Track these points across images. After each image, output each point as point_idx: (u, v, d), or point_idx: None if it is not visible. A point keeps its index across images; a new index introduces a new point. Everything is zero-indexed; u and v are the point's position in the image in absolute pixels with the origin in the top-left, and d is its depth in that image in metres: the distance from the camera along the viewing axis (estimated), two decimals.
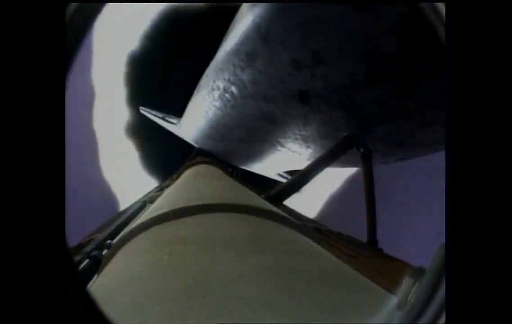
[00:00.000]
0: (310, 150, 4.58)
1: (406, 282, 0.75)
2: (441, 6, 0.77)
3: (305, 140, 4.47)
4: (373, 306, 0.86)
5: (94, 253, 1.87)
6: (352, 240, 3.45)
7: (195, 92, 6.77)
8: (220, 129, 6.06)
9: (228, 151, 6.70)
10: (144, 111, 10.90)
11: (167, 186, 4.45)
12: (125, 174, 11.21)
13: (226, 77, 4.85)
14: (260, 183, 6.45)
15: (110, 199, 10.63)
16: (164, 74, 10.98)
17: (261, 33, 3.77)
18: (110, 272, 1.37)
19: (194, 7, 10.64)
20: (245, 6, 4.36)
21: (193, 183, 3.39)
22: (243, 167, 7.22)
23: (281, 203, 3.86)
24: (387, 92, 3.24)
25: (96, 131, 11.25)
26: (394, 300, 0.77)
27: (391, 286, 0.91)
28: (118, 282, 1.14)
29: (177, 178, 4.30)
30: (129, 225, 2.38)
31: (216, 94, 5.37)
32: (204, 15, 10.61)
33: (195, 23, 10.67)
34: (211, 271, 1.03)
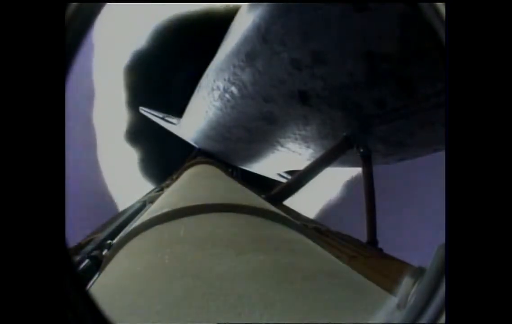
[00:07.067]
0: (310, 150, 4.59)
1: (406, 282, 0.75)
2: (441, 6, 0.77)
3: (305, 140, 4.47)
4: (373, 306, 0.86)
5: (94, 253, 1.88)
6: (352, 240, 3.45)
7: (195, 92, 6.77)
8: (220, 129, 6.06)
9: (228, 151, 6.70)
10: (144, 111, 10.90)
11: (167, 186, 4.45)
12: (124, 177, 11.22)
13: (226, 77, 4.86)
14: (260, 183, 6.45)
15: (109, 201, 10.64)
16: (164, 74, 10.98)
17: (261, 33, 3.77)
18: (110, 272, 1.37)
19: (194, 8, 10.64)
20: (245, 6, 4.37)
21: (193, 183, 3.39)
22: (243, 167, 7.22)
23: (281, 203, 3.87)
24: (387, 92, 3.24)
25: (96, 132, 11.26)
26: (394, 300, 0.77)
27: (391, 286, 0.90)
28: (118, 282, 1.14)
29: (177, 178, 4.30)
30: (129, 225, 2.39)
31: (216, 94, 5.38)
32: (204, 15, 10.62)
33: (196, 23, 10.67)
34: (211, 270, 1.03)
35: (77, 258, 1.83)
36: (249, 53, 4.12)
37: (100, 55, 10.74)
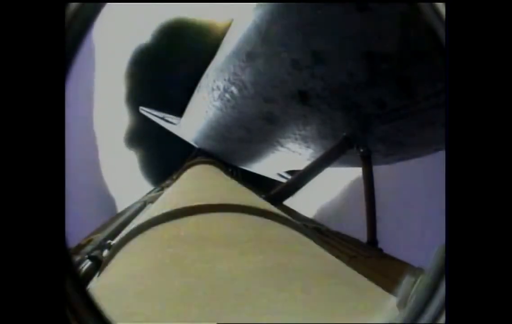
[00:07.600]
0: (310, 150, 4.58)
1: (406, 282, 0.75)
2: (441, 6, 0.77)
3: (305, 140, 4.47)
4: (373, 306, 0.86)
5: (94, 253, 1.88)
6: (352, 240, 3.45)
7: (195, 92, 6.77)
8: (220, 129, 6.06)
9: (228, 151, 6.70)
10: (144, 111, 10.89)
11: (167, 186, 4.46)
12: (124, 177, 11.20)
13: (226, 77, 4.86)
14: (260, 183, 6.45)
15: (109, 201, 10.63)
16: (164, 74, 10.97)
17: (261, 33, 3.78)
18: (110, 272, 1.37)
19: (194, 8, 10.64)
20: (245, 6, 4.37)
21: (193, 183, 3.39)
22: (243, 167, 7.21)
23: (281, 203, 3.87)
24: (387, 92, 3.24)
25: (96, 132, 11.25)
26: (394, 300, 0.77)
27: (391, 286, 0.91)
28: (118, 282, 1.14)
29: (177, 178, 4.30)
30: (129, 225, 2.39)
31: (216, 94, 5.38)
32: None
33: (196, 23, 10.67)
34: (211, 270, 1.03)
35: (77, 258, 1.83)
36: (249, 53, 4.12)
37: (100, 56, 10.74)
